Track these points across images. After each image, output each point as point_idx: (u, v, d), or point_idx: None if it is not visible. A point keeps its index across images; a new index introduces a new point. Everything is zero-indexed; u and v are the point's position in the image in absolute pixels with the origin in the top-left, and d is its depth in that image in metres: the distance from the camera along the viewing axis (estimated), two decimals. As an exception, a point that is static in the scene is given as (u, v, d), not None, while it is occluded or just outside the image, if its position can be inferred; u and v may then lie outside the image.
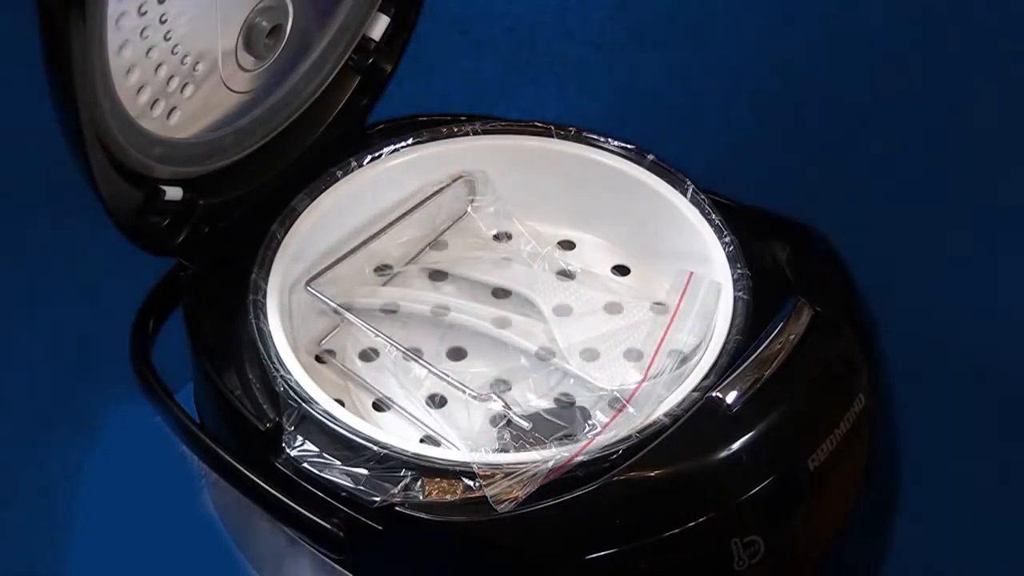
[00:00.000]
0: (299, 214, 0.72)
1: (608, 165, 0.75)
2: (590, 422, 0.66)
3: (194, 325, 0.69)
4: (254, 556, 0.73)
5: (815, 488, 0.62)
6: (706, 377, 0.64)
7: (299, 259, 0.71)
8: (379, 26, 0.77)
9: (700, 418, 0.61)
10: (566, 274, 0.75)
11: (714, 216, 0.72)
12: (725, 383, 0.62)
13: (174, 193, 0.68)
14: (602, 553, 0.59)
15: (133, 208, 0.66)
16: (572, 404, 0.68)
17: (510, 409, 0.66)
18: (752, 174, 0.97)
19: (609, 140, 0.76)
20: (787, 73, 1.10)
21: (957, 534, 0.80)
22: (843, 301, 0.67)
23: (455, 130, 0.76)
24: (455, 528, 0.60)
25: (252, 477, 0.63)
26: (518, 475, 0.60)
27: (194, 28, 0.66)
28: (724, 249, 0.70)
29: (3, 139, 1.00)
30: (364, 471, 0.61)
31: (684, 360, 0.70)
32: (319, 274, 0.72)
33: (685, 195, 0.73)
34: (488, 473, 0.60)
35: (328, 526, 0.61)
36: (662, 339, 0.71)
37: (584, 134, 0.76)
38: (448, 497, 0.60)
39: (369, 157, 0.75)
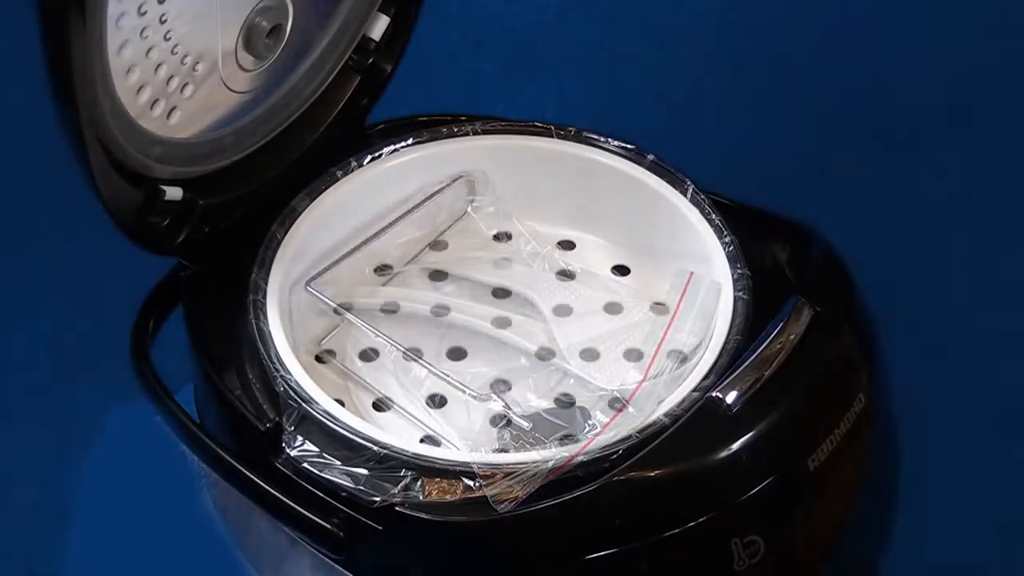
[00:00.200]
0: (299, 214, 0.72)
1: (608, 165, 0.75)
2: (590, 422, 0.66)
3: (194, 325, 0.69)
4: (254, 556, 0.73)
5: (815, 488, 0.62)
6: (706, 377, 0.64)
7: (299, 259, 0.71)
8: (379, 26, 0.77)
9: (700, 418, 0.61)
10: (566, 274, 0.75)
11: (714, 216, 0.72)
12: (725, 383, 0.62)
13: (174, 193, 0.68)
14: (602, 553, 0.59)
15: (133, 208, 0.66)
16: (572, 404, 0.68)
17: (510, 409, 0.66)
18: (752, 174, 0.97)
19: (609, 140, 0.76)
20: (787, 73, 1.09)
21: (957, 534, 0.80)
22: (843, 301, 0.67)
23: (455, 130, 0.76)
24: (455, 528, 0.60)
25: (252, 477, 0.63)
26: (518, 475, 0.60)
27: (194, 28, 0.66)
28: (724, 249, 0.70)
29: (3, 139, 0.99)
30: (364, 471, 0.61)
31: (684, 360, 0.70)
32: (319, 274, 0.72)
33: (685, 195, 0.73)
34: (488, 473, 0.60)
35: (328, 526, 0.61)
36: (662, 339, 0.71)
37: (584, 134, 0.76)
38: (448, 497, 0.60)
39: (369, 157, 0.75)
